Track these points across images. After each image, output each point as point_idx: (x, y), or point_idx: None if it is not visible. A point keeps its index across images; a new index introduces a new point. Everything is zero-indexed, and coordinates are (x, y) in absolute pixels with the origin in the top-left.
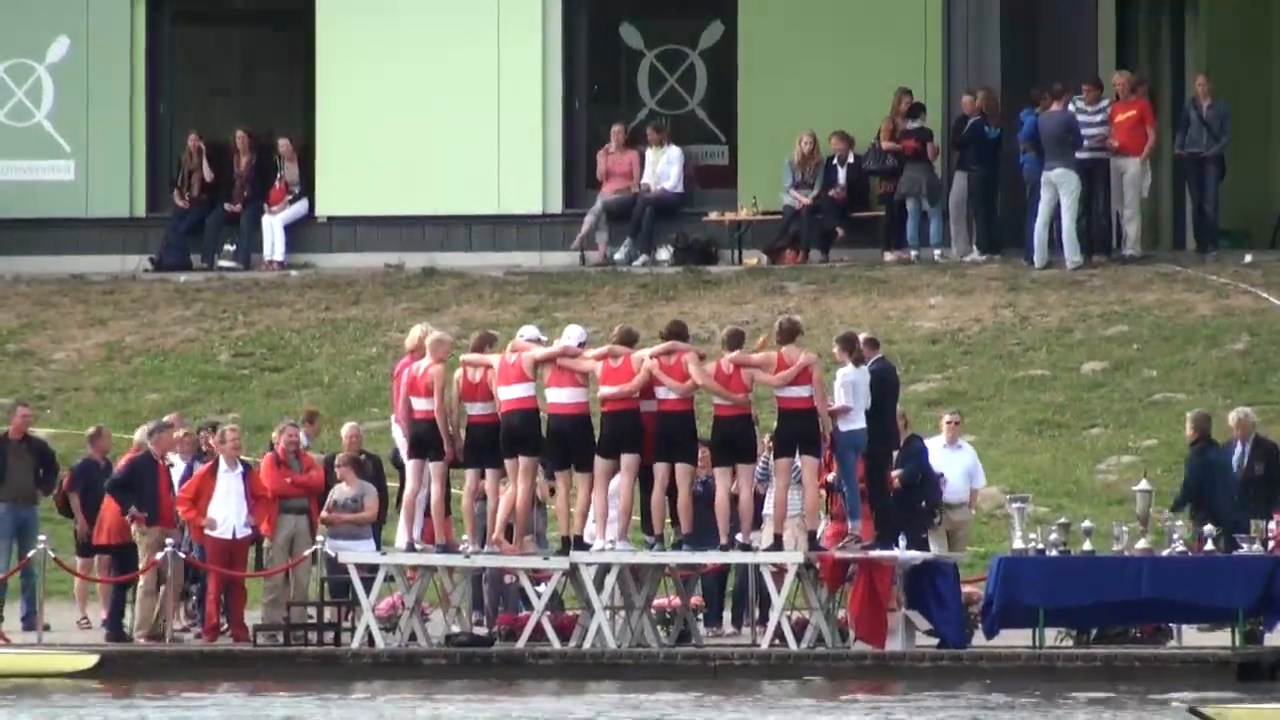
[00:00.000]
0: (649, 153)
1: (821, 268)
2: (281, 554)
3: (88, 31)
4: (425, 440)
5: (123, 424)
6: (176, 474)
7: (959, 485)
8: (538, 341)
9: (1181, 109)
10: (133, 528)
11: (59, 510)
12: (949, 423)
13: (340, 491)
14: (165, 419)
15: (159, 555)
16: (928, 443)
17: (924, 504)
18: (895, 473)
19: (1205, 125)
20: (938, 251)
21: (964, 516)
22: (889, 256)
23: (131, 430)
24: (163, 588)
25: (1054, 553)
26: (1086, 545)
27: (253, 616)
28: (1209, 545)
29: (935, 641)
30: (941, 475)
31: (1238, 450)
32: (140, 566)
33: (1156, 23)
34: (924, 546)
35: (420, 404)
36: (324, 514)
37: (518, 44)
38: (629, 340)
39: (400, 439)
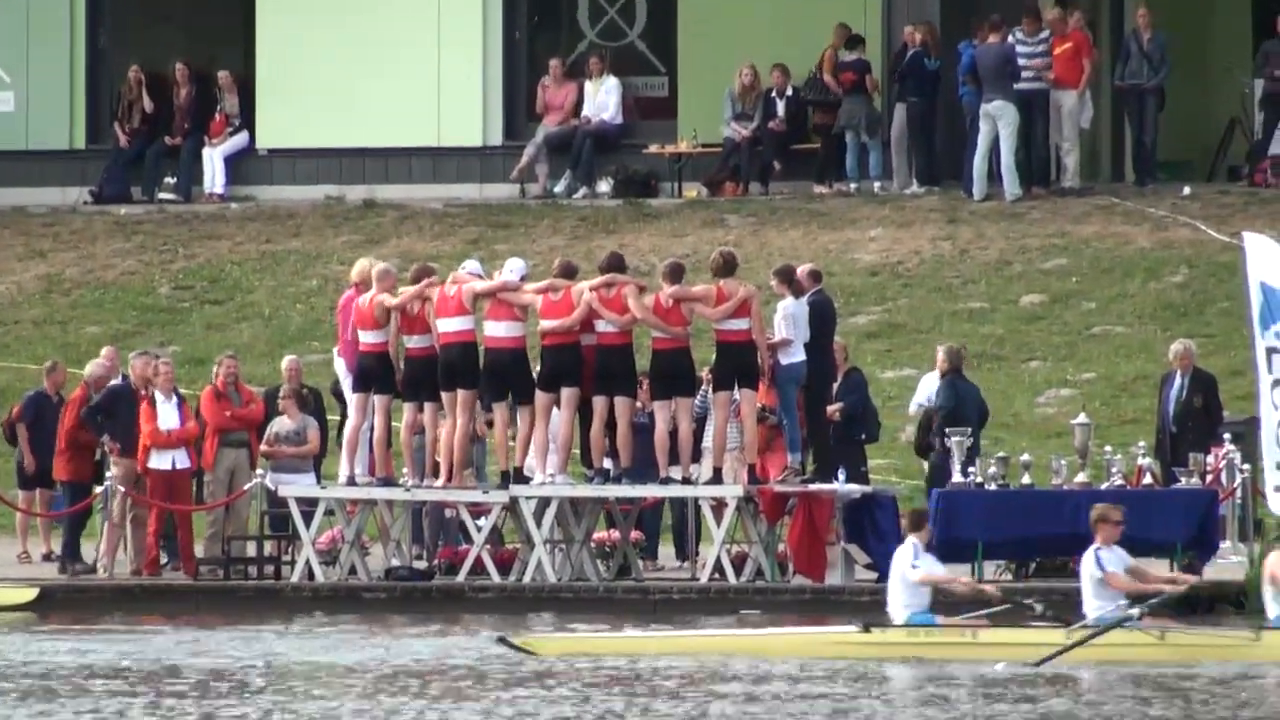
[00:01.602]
0: (588, 85)
1: (761, 200)
2: (221, 487)
3: None
4: (370, 373)
5: (63, 356)
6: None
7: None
8: (479, 277)
9: (1122, 41)
10: (111, 458)
11: (6, 439)
12: (942, 358)
13: (281, 424)
14: (103, 351)
15: (98, 490)
16: (926, 378)
17: (863, 437)
18: (836, 406)
19: (1145, 57)
20: (877, 184)
21: None
22: (824, 189)
23: (70, 364)
24: (104, 522)
25: (993, 486)
26: (1025, 479)
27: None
28: (1147, 479)
29: (874, 575)
30: (940, 409)
31: (1177, 382)
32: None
33: None
34: (862, 480)
35: (366, 336)
36: (264, 447)
37: None
38: (569, 273)
39: (343, 372)
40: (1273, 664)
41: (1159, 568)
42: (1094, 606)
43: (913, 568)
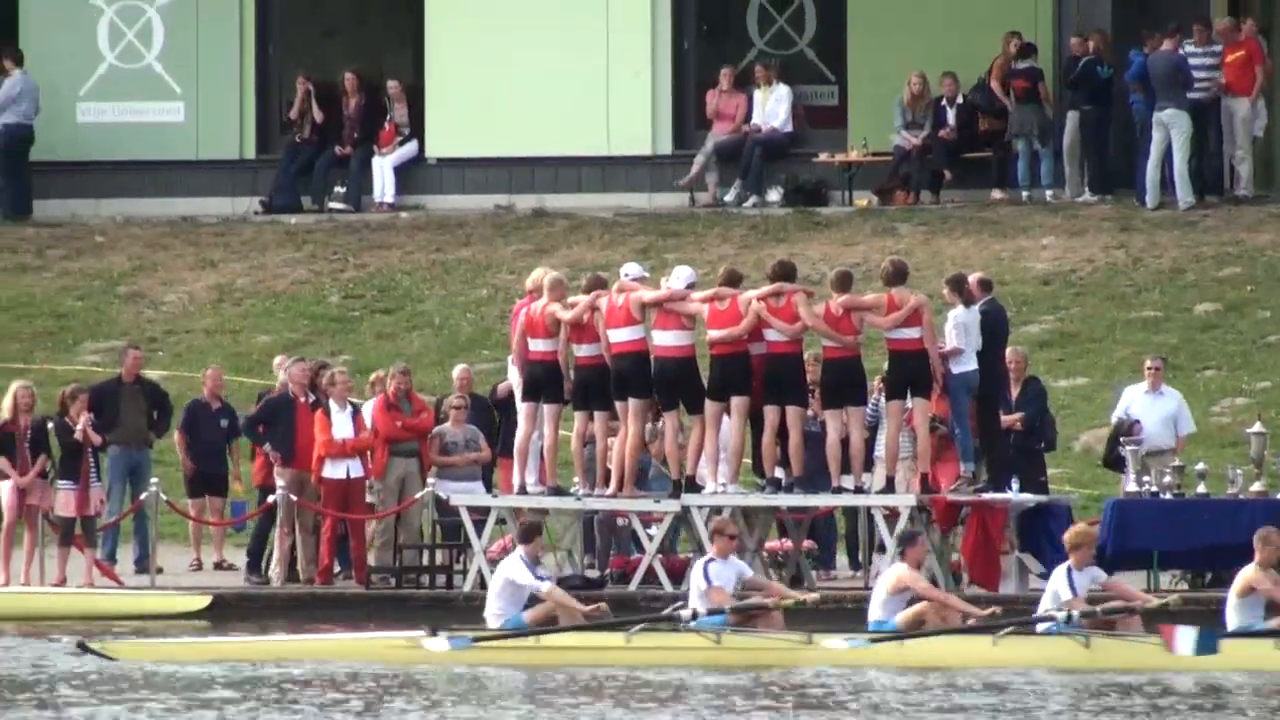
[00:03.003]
0: (758, 93)
1: (932, 208)
2: (392, 496)
3: None
4: (540, 381)
5: (233, 366)
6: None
7: (1160, 432)
8: (641, 280)
9: None
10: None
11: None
12: (1150, 369)
13: (451, 433)
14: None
15: (271, 498)
16: (1129, 390)
17: (1042, 446)
18: (1016, 415)
19: None
20: (1049, 192)
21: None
22: (998, 195)
23: (242, 373)
24: (273, 530)
25: (1168, 496)
26: (1201, 488)
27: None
28: None
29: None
30: (1137, 422)
31: None
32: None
33: None
34: (1041, 489)
35: (537, 345)
36: (435, 456)
37: None
38: (733, 281)
39: (516, 380)
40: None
41: None
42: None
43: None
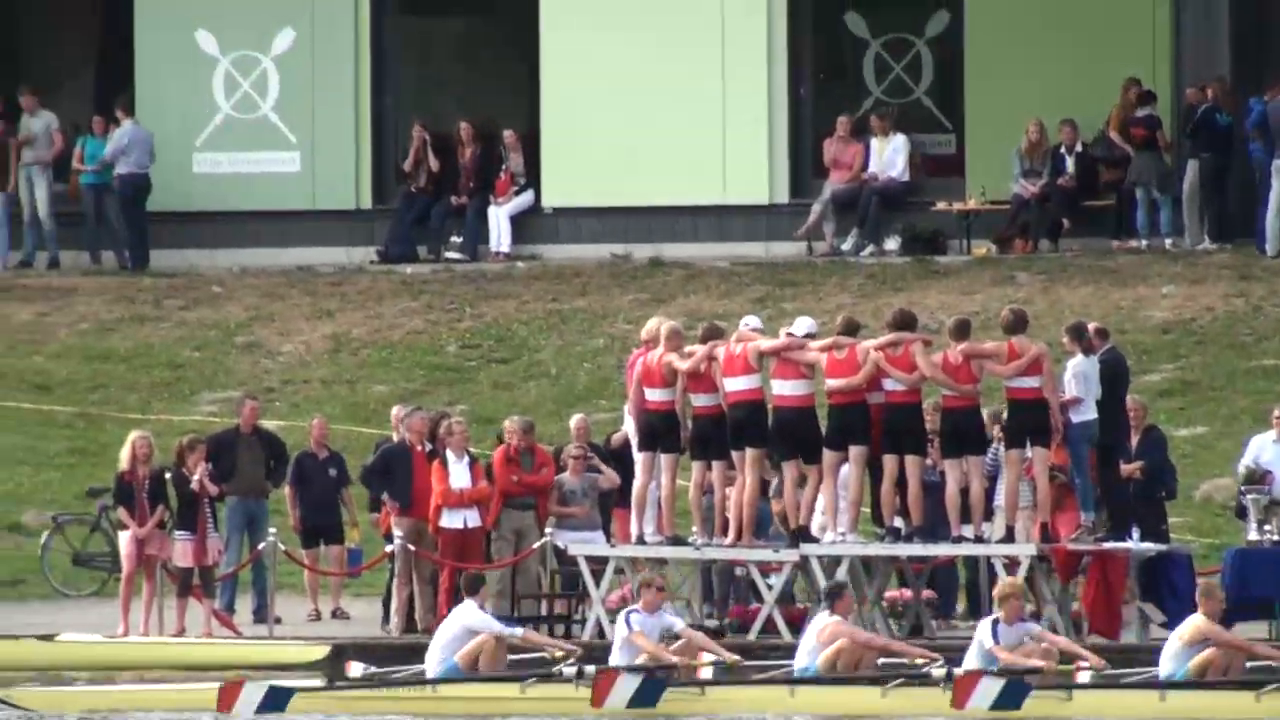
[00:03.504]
0: (875, 142)
1: (1051, 257)
2: (508, 546)
3: (313, 23)
4: (657, 431)
5: (350, 416)
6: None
7: None
8: (759, 331)
9: None
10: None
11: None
12: (1277, 418)
13: (569, 483)
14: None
15: (389, 548)
16: (1256, 439)
17: (1163, 494)
18: (1136, 464)
19: None
20: (1168, 240)
21: None
22: (1118, 244)
23: (358, 423)
24: (393, 580)
25: None
26: None
27: None
28: None
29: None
30: (1269, 472)
31: None
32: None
33: None
34: (1163, 538)
35: (653, 394)
36: (553, 506)
37: (743, 32)
38: (851, 330)
39: (633, 430)
40: None
41: None
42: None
43: None
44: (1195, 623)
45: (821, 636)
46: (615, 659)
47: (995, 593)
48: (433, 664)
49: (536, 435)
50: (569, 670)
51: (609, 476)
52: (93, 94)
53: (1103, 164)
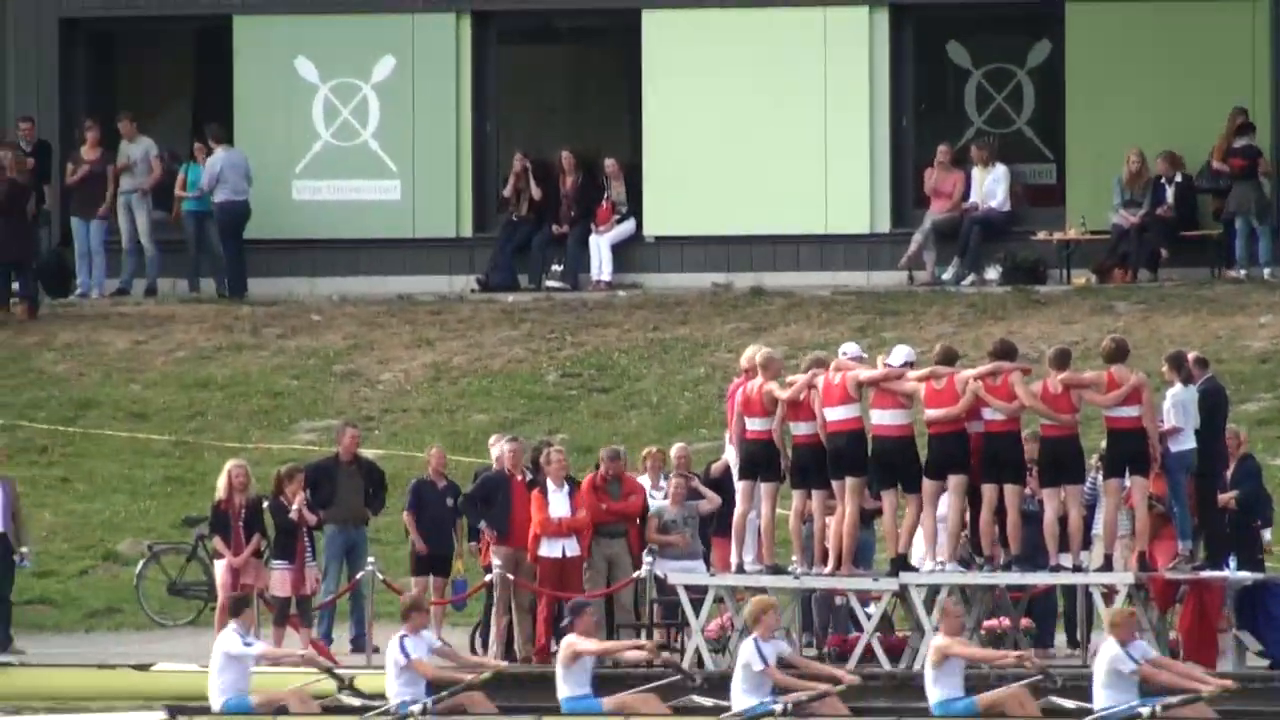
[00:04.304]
0: (975, 171)
1: (1150, 287)
2: (600, 576)
3: (413, 51)
4: (757, 460)
5: (450, 444)
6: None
7: None
8: (859, 359)
9: None
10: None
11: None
12: None
13: (670, 512)
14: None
15: (488, 577)
16: None
17: (1259, 523)
18: (1232, 493)
19: None
20: (1267, 270)
21: None
22: (1232, 274)
23: (458, 452)
24: (492, 609)
25: None
26: None
27: None
28: None
29: (1266, 663)
30: None
31: None
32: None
33: None
34: (1259, 567)
35: (753, 424)
36: (654, 535)
37: (844, 61)
38: (949, 359)
39: (734, 459)
40: None
41: None
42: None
43: None
44: (935, 643)
45: (564, 657)
46: (392, 688)
47: (747, 612)
48: (214, 695)
49: (635, 463)
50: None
51: (710, 499)
52: (191, 121)
53: (1207, 195)
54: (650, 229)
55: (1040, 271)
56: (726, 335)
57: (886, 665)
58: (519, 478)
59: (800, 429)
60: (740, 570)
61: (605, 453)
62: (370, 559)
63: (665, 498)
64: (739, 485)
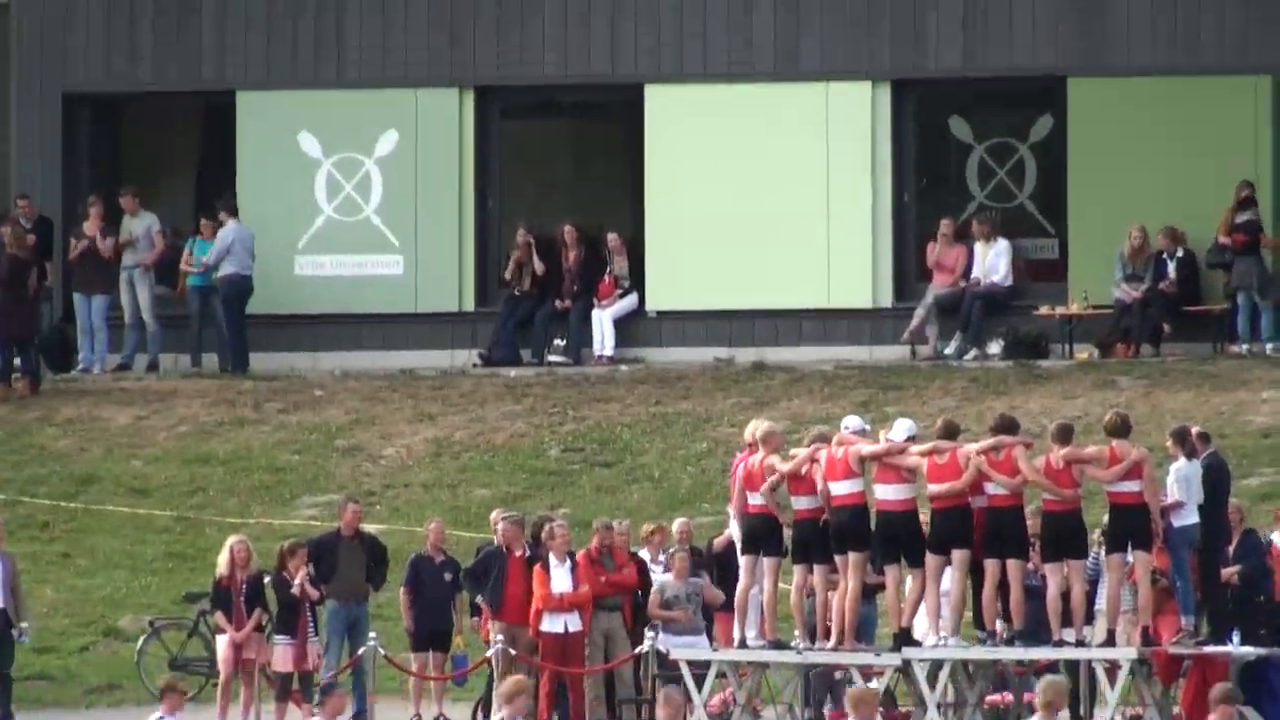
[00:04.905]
0: (978, 246)
1: (1152, 362)
2: (597, 651)
3: (416, 126)
4: (759, 534)
5: (452, 519)
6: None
7: None
8: (862, 433)
9: None
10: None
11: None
12: None
13: (673, 587)
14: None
15: (489, 652)
16: None
17: (1261, 599)
18: (1234, 568)
19: None
20: (1269, 345)
21: None
22: (1237, 349)
23: (460, 527)
24: (493, 683)
25: None
26: None
27: None
28: None
29: None
30: None
31: None
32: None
33: None
34: (1263, 642)
35: (755, 498)
36: (656, 610)
37: (846, 137)
38: (951, 433)
39: (737, 533)
40: None
41: None
42: None
43: None
44: None
45: None
46: None
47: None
48: None
49: (637, 538)
50: None
51: (714, 594)
52: (194, 196)
53: (1215, 269)
54: (653, 303)
55: (1042, 346)
56: (729, 410)
57: None
58: (517, 553)
59: (801, 503)
60: (743, 645)
61: (598, 524)
62: (372, 634)
63: (666, 570)
64: (742, 560)
